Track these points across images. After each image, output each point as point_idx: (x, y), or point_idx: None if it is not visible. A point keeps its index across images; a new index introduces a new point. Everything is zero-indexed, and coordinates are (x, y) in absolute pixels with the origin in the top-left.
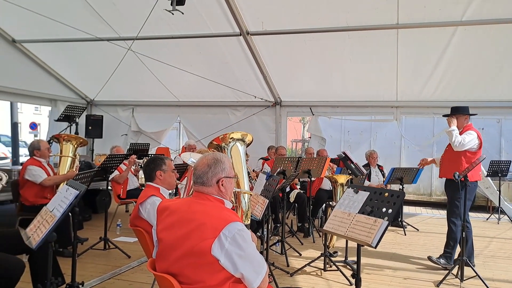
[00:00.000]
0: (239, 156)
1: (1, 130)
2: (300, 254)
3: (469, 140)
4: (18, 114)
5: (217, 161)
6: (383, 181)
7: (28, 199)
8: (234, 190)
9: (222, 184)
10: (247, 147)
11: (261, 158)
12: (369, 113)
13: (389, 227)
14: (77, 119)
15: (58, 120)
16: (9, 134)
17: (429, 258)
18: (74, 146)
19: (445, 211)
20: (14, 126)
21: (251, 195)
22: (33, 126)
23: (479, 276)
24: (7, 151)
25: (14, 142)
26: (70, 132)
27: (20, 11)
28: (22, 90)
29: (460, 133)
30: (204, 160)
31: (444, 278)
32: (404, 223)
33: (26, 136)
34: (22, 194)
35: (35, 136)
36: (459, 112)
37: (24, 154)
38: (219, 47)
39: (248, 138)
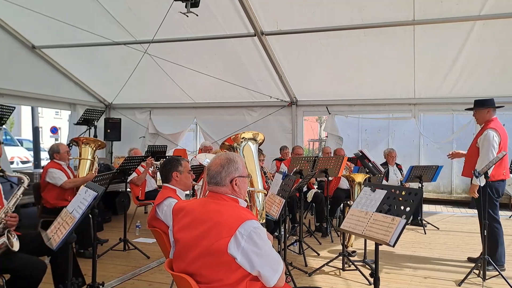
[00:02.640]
0: (252, 155)
1: (23, 135)
2: (318, 254)
3: (491, 146)
4: (39, 119)
5: (230, 160)
6: (401, 179)
7: (49, 201)
8: (248, 189)
9: (236, 184)
10: (259, 146)
11: (275, 159)
12: (386, 111)
13: (409, 226)
14: (95, 122)
15: (77, 123)
16: (31, 138)
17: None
18: (92, 149)
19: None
20: (35, 131)
21: (265, 194)
22: (54, 130)
23: (501, 275)
24: (29, 155)
25: (36, 146)
26: (89, 135)
27: (39, 17)
28: (42, 95)
29: (482, 129)
30: (217, 160)
31: (466, 277)
32: (424, 222)
33: (47, 140)
34: (44, 196)
35: (56, 140)
36: (482, 105)
37: (45, 157)
38: (234, 48)
39: (259, 137)
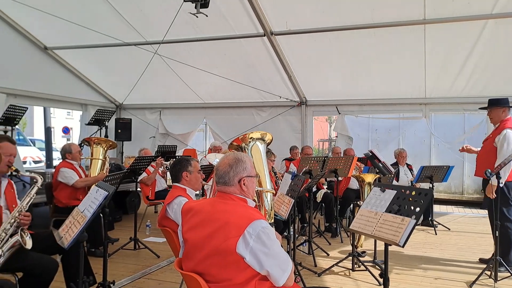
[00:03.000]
0: (260, 155)
1: (36, 135)
2: (328, 254)
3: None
4: (51, 119)
5: (238, 160)
6: (412, 180)
7: (61, 200)
8: (256, 189)
9: (244, 183)
10: (267, 146)
11: (284, 159)
12: (397, 111)
13: (419, 227)
14: (106, 122)
15: (89, 124)
16: (43, 138)
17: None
18: (104, 149)
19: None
20: (48, 131)
21: (273, 194)
22: (66, 130)
23: None
24: (41, 155)
25: (48, 146)
26: (100, 136)
27: (51, 19)
28: (54, 96)
29: (498, 128)
30: (225, 160)
31: (477, 279)
32: (435, 222)
33: (59, 140)
34: (56, 196)
35: (68, 140)
36: (498, 104)
37: (57, 157)
38: (243, 48)
39: (267, 137)
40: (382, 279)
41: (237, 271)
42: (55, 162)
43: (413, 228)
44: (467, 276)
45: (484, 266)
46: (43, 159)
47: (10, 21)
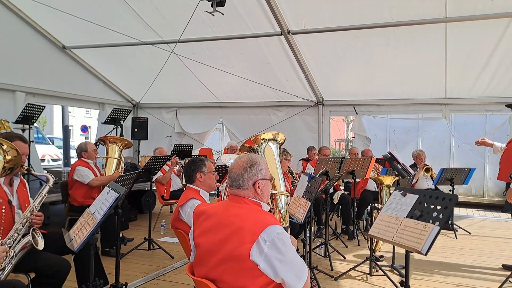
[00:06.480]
0: (273, 156)
1: (55, 133)
2: (345, 258)
3: None
4: (70, 118)
5: (253, 163)
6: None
7: (77, 199)
8: (270, 192)
9: (258, 187)
10: (280, 146)
11: (301, 159)
12: (416, 111)
13: None
14: (122, 121)
15: (105, 123)
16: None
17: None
18: (119, 147)
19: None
20: (65, 129)
21: (287, 196)
22: (84, 129)
23: None
24: (59, 153)
25: (66, 144)
26: (116, 135)
27: (70, 18)
28: (72, 95)
29: None
30: (239, 163)
31: (501, 286)
32: (455, 226)
33: (78, 138)
34: (71, 194)
35: (86, 138)
36: None
37: (75, 156)
38: (260, 48)
39: (280, 137)
40: (402, 287)
41: (251, 279)
42: (73, 160)
43: (437, 235)
44: (490, 283)
45: (508, 273)
46: (61, 157)
47: (29, 21)
